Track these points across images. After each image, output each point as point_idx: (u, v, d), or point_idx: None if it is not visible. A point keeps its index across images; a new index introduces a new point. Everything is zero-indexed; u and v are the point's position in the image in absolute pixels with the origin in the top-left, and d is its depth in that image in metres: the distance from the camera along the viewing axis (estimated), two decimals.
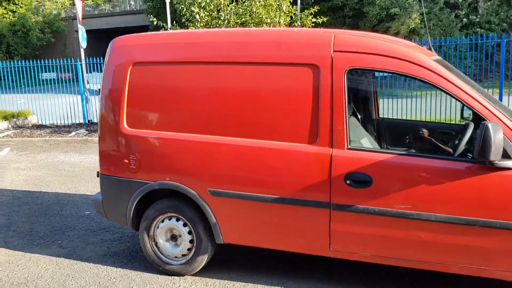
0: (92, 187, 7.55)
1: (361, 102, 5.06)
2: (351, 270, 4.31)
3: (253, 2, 10.11)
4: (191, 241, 4.21)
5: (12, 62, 16.02)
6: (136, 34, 4.50)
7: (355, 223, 3.61)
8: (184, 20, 10.73)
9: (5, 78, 15.75)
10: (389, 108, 11.65)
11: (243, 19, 10.26)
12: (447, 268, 3.52)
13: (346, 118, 3.59)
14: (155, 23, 11.67)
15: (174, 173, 4.09)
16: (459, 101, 3.40)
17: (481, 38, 12.02)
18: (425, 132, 4.14)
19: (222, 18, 10.30)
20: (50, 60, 15.09)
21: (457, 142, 3.85)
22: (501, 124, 3.21)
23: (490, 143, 3.06)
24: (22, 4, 48.23)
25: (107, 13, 51.72)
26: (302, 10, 13.36)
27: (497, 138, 3.06)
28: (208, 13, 10.36)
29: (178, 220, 4.22)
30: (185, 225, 4.20)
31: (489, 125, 3.06)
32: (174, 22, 13.12)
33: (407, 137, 4.93)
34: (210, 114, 3.99)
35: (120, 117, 4.27)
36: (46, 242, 5.28)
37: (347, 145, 3.60)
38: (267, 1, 10.21)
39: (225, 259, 4.61)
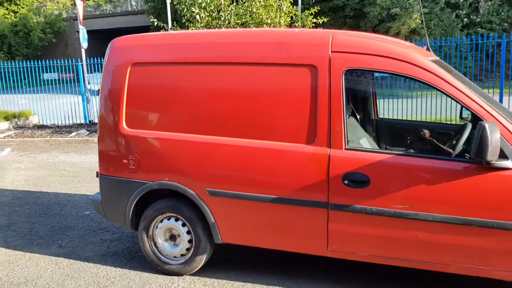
0: (92, 187, 7.57)
1: (360, 103, 5.07)
2: (351, 270, 4.32)
3: (253, 2, 10.12)
4: (189, 241, 4.22)
5: (13, 62, 16.05)
6: (135, 34, 4.51)
7: (353, 223, 3.62)
8: (184, 20, 10.75)
9: (6, 78, 15.78)
10: (389, 109, 11.65)
11: (244, 20, 10.27)
12: (445, 268, 3.53)
13: (344, 118, 3.60)
14: (155, 23, 11.70)
15: (173, 173, 4.11)
16: (456, 101, 3.41)
17: (482, 38, 12.02)
18: (426, 133, 4.14)
19: (223, 19, 10.31)
20: (51, 61, 15.13)
21: (454, 142, 3.86)
22: (498, 124, 3.22)
23: (487, 143, 3.06)
24: (23, 4, 48.29)
25: (108, 14, 51.75)
26: (303, 11, 13.37)
27: (494, 138, 3.07)
28: (208, 14, 10.38)
29: (177, 220, 4.24)
30: (184, 225, 4.21)
31: (486, 125, 3.07)
32: (175, 22, 13.14)
33: (408, 137, 4.94)
34: (208, 114, 4.01)
35: (119, 117, 4.29)
36: (46, 242, 5.30)
37: (345, 145, 3.61)
38: (268, 1, 10.22)
39: (224, 259, 4.63)
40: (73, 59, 15.26)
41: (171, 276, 4.31)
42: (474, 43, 12.32)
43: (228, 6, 10.36)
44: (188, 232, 4.21)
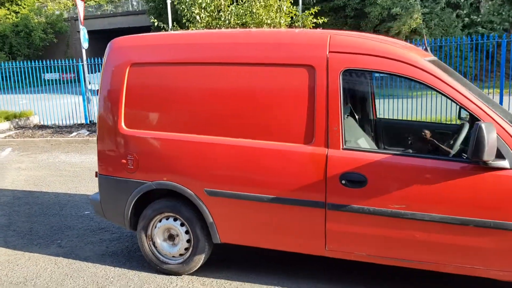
0: (92, 187, 7.58)
1: (359, 103, 5.08)
2: (351, 270, 4.33)
3: (254, 3, 10.13)
4: (188, 241, 4.23)
5: (14, 62, 16.08)
6: (134, 35, 4.53)
7: (351, 223, 3.63)
8: (184, 20, 10.77)
9: (7, 78, 15.81)
10: (388, 109, 11.66)
11: (244, 20, 10.28)
12: (442, 268, 3.54)
13: (341, 118, 3.61)
14: (155, 24, 11.72)
15: (172, 173, 4.12)
16: (453, 101, 3.42)
17: (482, 38, 12.02)
18: (427, 133, 4.14)
19: (223, 19, 10.33)
20: (52, 61, 15.15)
21: (452, 142, 3.87)
22: (495, 124, 3.23)
23: (484, 143, 3.07)
24: (24, 5, 48.36)
25: (109, 14, 51.82)
26: (303, 11, 13.38)
27: (490, 138, 3.08)
28: (208, 14, 10.39)
29: (175, 220, 4.25)
30: (182, 224, 4.23)
31: (483, 126, 3.08)
32: (175, 23, 13.16)
33: (407, 137, 4.95)
34: (207, 114, 4.02)
35: (118, 117, 4.30)
36: (45, 241, 5.32)
37: (343, 145, 3.63)
38: (268, 1, 10.24)
39: (222, 259, 4.64)
40: (74, 59, 15.28)
41: (170, 276, 4.32)
42: (474, 43, 12.31)
43: (228, 7, 10.38)
44: (187, 232, 4.22)
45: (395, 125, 5.49)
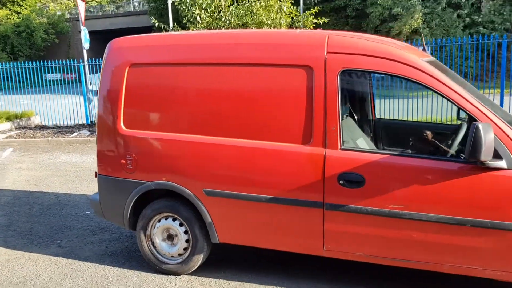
0: (92, 187, 7.60)
1: (357, 103, 5.09)
2: (351, 270, 4.33)
3: (254, 3, 10.15)
4: (187, 241, 4.25)
5: (16, 63, 16.12)
6: (133, 35, 4.54)
7: (348, 223, 3.64)
8: (185, 21, 10.79)
9: (9, 79, 15.84)
10: (388, 109, 11.67)
11: (244, 21, 10.30)
12: (440, 268, 3.55)
13: (339, 118, 3.62)
14: (156, 24, 11.74)
15: (170, 173, 4.13)
16: (451, 101, 3.42)
17: (483, 38, 12.01)
18: (429, 134, 4.14)
19: (223, 19, 10.34)
20: (53, 61, 15.18)
21: (450, 142, 3.88)
22: (492, 124, 3.23)
23: (481, 144, 3.08)
24: (26, 5, 48.45)
25: (111, 14, 51.90)
26: (305, 11, 13.40)
27: (487, 138, 3.09)
28: (209, 14, 10.41)
29: (174, 219, 4.27)
30: (181, 224, 4.24)
31: (480, 126, 3.08)
32: (175, 23, 13.18)
33: (406, 138, 4.95)
34: (205, 115, 4.03)
35: (117, 117, 4.32)
36: (45, 241, 5.34)
37: (341, 146, 3.63)
38: (268, 2, 10.25)
39: (221, 259, 4.66)
40: (75, 60, 15.31)
41: (169, 276, 4.34)
42: (475, 43, 12.30)
43: (229, 7, 10.39)
44: (186, 232, 4.24)
45: (394, 126, 5.49)
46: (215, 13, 10.46)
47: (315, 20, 11.01)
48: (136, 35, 4.54)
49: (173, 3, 17.48)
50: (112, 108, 4.35)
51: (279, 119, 3.80)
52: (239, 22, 10.32)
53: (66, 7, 53.07)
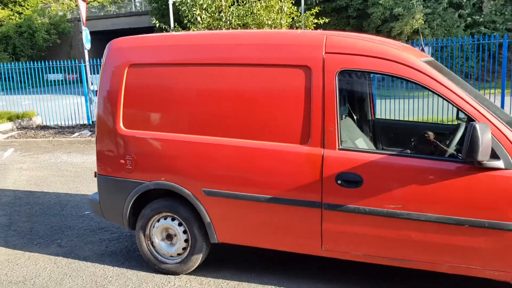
0: (93, 187, 7.61)
1: (357, 103, 5.10)
2: (351, 270, 4.34)
3: (254, 3, 10.16)
4: (186, 241, 4.26)
5: (17, 63, 16.15)
6: (132, 36, 4.56)
7: (346, 223, 3.65)
8: (186, 21, 10.81)
9: (11, 79, 15.88)
10: (389, 109, 11.67)
11: (244, 21, 10.31)
12: (438, 268, 3.55)
13: (337, 119, 3.63)
14: (157, 25, 11.77)
15: (169, 173, 4.15)
16: (448, 101, 3.43)
17: (483, 38, 12.01)
18: (430, 135, 4.14)
19: (224, 20, 10.37)
20: (54, 61, 15.22)
21: (448, 142, 3.88)
22: (489, 124, 3.24)
23: (478, 144, 3.08)
24: (28, 5, 48.55)
25: (112, 15, 51.96)
26: (306, 11, 13.39)
27: (485, 138, 3.09)
28: (209, 15, 10.43)
29: (173, 219, 4.28)
30: (180, 224, 4.25)
31: (477, 126, 3.09)
32: (176, 24, 13.19)
33: (405, 138, 4.96)
34: (204, 115, 4.04)
35: (116, 118, 4.33)
36: (45, 241, 5.36)
37: (339, 146, 3.64)
38: (269, 2, 10.26)
39: (220, 259, 4.67)
40: (76, 60, 15.34)
41: (168, 275, 4.35)
42: (476, 43, 12.29)
43: (229, 7, 10.41)
44: (185, 232, 4.25)
45: (393, 126, 5.50)
46: (215, 14, 10.48)
47: (315, 20, 11.02)
48: (135, 36, 4.56)
49: (174, 4, 17.51)
50: (112, 108, 4.36)
51: (278, 119, 3.81)
52: (239, 22, 10.34)
53: (68, 8, 53.16)
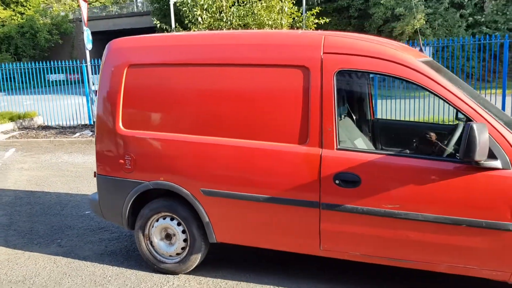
0: (94, 187, 7.62)
1: (356, 103, 5.11)
2: (351, 270, 4.34)
3: (255, 4, 10.17)
4: (185, 240, 4.27)
5: (19, 63, 16.19)
6: (132, 36, 4.58)
7: (344, 223, 3.65)
8: (187, 22, 10.83)
9: (13, 79, 15.93)
10: (390, 109, 11.67)
11: (245, 21, 10.32)
12: (436, 267, 3.55)
13: (335, 119, 3.63)
14: (158, 25, 11.78)
15: (168, 173, 4.16)
16: (446, 101, 3.44)
17: (485, 38, 11.99)
18: (432, 136, 4.14)
19: (224, 20, 10.37)
20: (55, 62, 15.25)
21: (446, 142, 3.89)
22: (487, 124, 3.24)
23: (475, 144, 3.09)
24: (30, 6, 48.65)
25: (114, 15, 52.04)
26: (307, 11, 13.39)
27: (482, 138, 3.09)
28: (210, 15, 10.44)
29: (172, 219, 4.29)
30: (179, 224, 4.26)
31: (474, 126, 3.09)
32: (177, 24, 13.21)
33: (404, 138, 4.97)
34: (203, 115, 4.06)
35: (116, 118, 4.35)
36: (45, 241, 5.37)
37: (337, 146, 3.65)
38: (270, 2, 10.27)
39: (219, 258, 4.68)
40: (78, 60, 15.37)
41: (167, 275, 4.36)
42: (477, 43, 12.28)
43: (230, 8, 10.42)
44: (183, 232, 4.26)
45: (393, 126, 5.51)
46: (216, 14, 10.49)
47: (316, 20, 11.02)
48: (135, 36, 4.57)
49: (175, 4, 17.53)
50: (111, 108, 4.37)
51: (276, 119, 3.82)
52: (240, 22, 10.34)
53: (70, 8, 53.23)
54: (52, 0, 53.48)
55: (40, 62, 15.60)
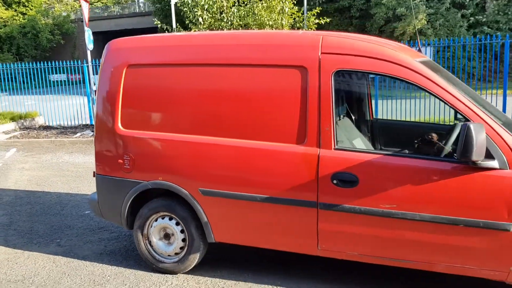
0: (94, 187, 7.57)
1: (354, 103, 5.11)
2: (351, 270, 4.34)
3: (255, 4, 10.18)
4: (183, 240, 4.28)
5: (21, 64, 16.23)
6: (131, 36, 4.59)
7: (342, 223, 3.66)
8: (187, 22, 10.84)
9: (14, 79, 15.95)
10: (391, 109, 11.66)
11: (246, 21, 10.33)
12: (434, 267, 3.55)
13: (333, 119, 3.64)
14: (159, 25, 11.79)
15: (167, 173, 4.17)
16: (443, 101, 3.44)
17: (485, 38, 11.98)
18: (434, 136, 4.15)
19: (225, 20, 10.38)
20: (57, 62, 15.28)
21: (444, 142, 3.89)
22: (484, 124, 3.24)
23: (472, 144, 3.09)
24: (32, 6, 48.73)
25: (116, 15, 52.13)
26: (309, 11, 13.40)
27: (479, 138, 3.09)
28: (211, 15, 10.45)
29: (171, 219, 4.30)
30: (177, 224, 4.27)
31: (471, 126, 3.09)
32: (177, 24, 13.22)
33: (403, 138, 4.97)
34: (201, 115, 4.06)
35: (115, 118, 4.36)
36: (45, 240, 5.39)
37: (334, 146, 3.65)
38: (270, 2, 10.27)
39: (217, 258, 4.68)
40: (79, 61, 15.40)
41: (165, 275, 4.37)
42: (478, 44, 12.27)
43: (231, 8, 10.43)
44: (182, 231, 4.27)
45: (392, 126, 5.51)
46: (217, 14, 10.50)
47: (317, 21, 11.02)
48: (134, 36, 4.58)
49: (176, 4, 17.55)
50: (110, 108, 4.39)
51: (274, 119, 3.83)
52: (241, 23, 10.35)
53: (71, 8, 53.32)
54: (54, 0, 53.57)
55: (42, 62, 15.62)
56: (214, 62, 4.01)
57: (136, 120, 4.32)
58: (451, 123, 9.29)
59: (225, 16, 10.38)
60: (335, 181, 3.61)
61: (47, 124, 15.73)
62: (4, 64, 16.19)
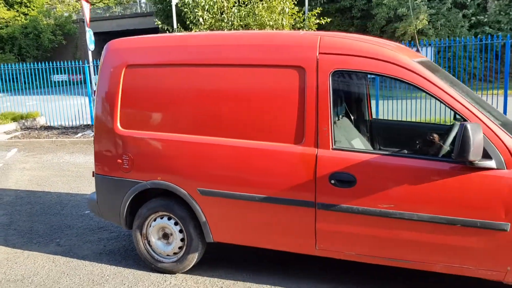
0: (94, 187, 7.64)
1: (352, 103, 5.11)
2: (351, 270, 4.34)
3: (256, 4, 10.20)
4: (182, 240, 4.29)
5: (23, 64, 16.26)
6: (130, 37, 4.60)
7: (340, 222, 3.66)
8: (188, 22, 10.86)
9: (16, 80, 15.98)
10: (392, 110, 11.66)
11: (246, 22, 10.34)
12: (432, 267, 3.56)
13: (331, 119, 3.64)
14: (160, 26, 11.81)
15: (165, 172, 4.18)
16: (441, 101, 3.44)
17: (487, 38, 11.96)
18: (435, 137, 4.14)
19: (226, 21, 10.41)
20: (58, 62, 15.31)
21: (442, 142, 3.89)
22: (481, 124, 3.25)
23: (469, 144, 3.09)
24: (34, 6, 48.83)
25: (117, 16, 52.22)
26: (310, 11, 13.42)
27: (476, 138, 3.10)
28: (211, 16, 10.47)
29: (169, 219, 4.31)
30: (176, 224, 4.28)
31: (468, 126, 3.10)
32: (178, 24, 13.24)
33: (402, 138, 4.97)
34: (200, 115, 4.08)
35: (114, 118, 4.37)
36: (44, 240, 5.40)
37: (332, 146, 3.66)
38: (271, 3, 10.29)
39: (216, 258, 4.69)
40: (80, 61, 15.43)
41: (164, 274, 4.38)
42: (479, 44, 12.26)
43: (231, 8, 10.45)
44: (181, 231, 4.28)
45: (391, 126, 5.52)
46: (217, 15, 10.52)
47: (317, 21, 11.03)
48: (133, 37, 4.60)
49: (177, 5, 17.57)
50: (109, 109, 4.40)
51: (273, 119, 3.83)
52: (241, 23, 10.37)
53: (73, 9, 53.43)
54: (56, 0, 53.67)
55: (44, 62, 15.66)
56: (212, 62, 4.01)
57: (135, 120, 4.33)
58: (451, 123, 9.30)
59: (225, 16, 10.41)
60: (333, 181, 3.62)
61: (48, 124, 15.77)
62: (6, 65, 16.22)
